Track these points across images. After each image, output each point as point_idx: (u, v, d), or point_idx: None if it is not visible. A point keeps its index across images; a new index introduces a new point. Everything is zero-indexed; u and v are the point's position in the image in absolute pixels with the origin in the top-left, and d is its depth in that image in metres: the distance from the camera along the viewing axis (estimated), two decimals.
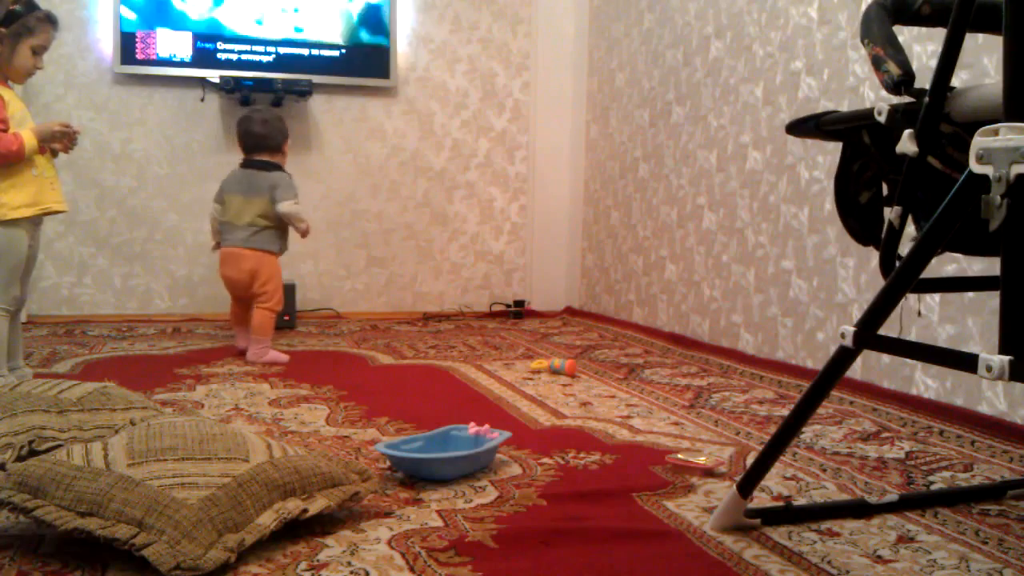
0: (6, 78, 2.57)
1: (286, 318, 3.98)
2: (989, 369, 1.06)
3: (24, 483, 1.39)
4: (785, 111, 3.05)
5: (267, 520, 1.36)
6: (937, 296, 2.38)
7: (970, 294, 2.28)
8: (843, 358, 1.35)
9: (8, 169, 2.48)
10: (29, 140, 2.47)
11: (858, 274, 2.69)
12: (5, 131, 2.46)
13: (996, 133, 1.07)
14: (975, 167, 1.09)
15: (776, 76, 3.10)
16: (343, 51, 4.36)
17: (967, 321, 2.30)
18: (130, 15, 4.06)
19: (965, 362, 1.11)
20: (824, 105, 2.84)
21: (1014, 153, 1.04)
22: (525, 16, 4.70)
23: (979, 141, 1.08)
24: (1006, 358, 1.05)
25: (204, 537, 1.27)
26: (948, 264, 2.34)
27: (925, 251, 1.21)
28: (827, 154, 2.83)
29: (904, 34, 2.47)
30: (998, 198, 1.06)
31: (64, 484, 1.36)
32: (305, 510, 1.41)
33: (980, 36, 2.20)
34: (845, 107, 2.74)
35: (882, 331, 1.31)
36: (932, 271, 2.33)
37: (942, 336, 2.37)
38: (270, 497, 1.40)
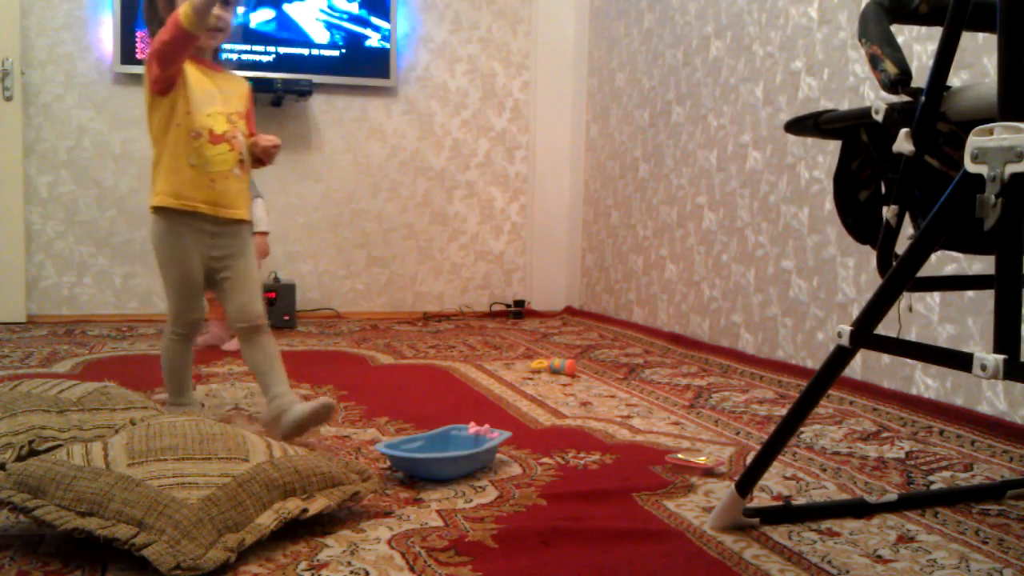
0: (200, 52, 2.10)
1: (285, 318, 3.98)
2: (983, 368, 1.07)
3: (24, 483, 1.39)
4: (785, 111, 3.04)
5: (267, 520, 1.36)
6: (937, 296, 2.38)
7: (970, 294, 2.28)
8: (840, 357, 1.35)
9: (169, 153, 2.04)
10: (184, 10, 1.92)
11: (858, 274, 2.69)
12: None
13: (991, 132, 1.07)
14: (970, 166, 1.09)
15: (776, 76, 3.10)
16: (343, 51, 4.36)
17: (967, 321, 2.30)
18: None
19: (960, 361, 1.11)
20: (824, 105, 2.84)
21: (1008, 152, 1.04)
22: (525, 16, 4.70)
23: (974, 140, 1.08)
24: (1000, 357, 1.06)
25: (204, 537, 1.27)
26: (948, 264, 2.35)
27: (921, 250, 1.21)
28: (827, 154, 2.83)
29: (904, 34, 2.47)
30: (992, 197, 1.06)
31: (64, 484, 1.36)
32: (305, 510, 1.41)
33: (981, 36, 2.20)
34: (845, 107, 2.74)
35: (884, 330, 1.31)
36: (932, 270, 2.33)
37: (942, 336, 2.37)
38: (270, 497, 1.40)
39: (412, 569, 1.31)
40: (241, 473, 1.39)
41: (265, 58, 4.25)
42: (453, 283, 4.71)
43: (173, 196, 2.04)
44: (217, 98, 2.08)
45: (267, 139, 2.17)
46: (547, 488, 1.69)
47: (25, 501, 1.36)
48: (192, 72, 2.06)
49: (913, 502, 1.62)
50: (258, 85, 4.17)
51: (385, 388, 2.70)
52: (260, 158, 2.18)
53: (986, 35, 2.17)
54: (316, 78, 4.30)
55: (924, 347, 1.26)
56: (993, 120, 1.08)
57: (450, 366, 3.10)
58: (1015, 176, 1.04)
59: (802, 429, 2.19)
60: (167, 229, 2.06)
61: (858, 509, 1.58)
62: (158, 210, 2.05)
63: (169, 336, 2.13)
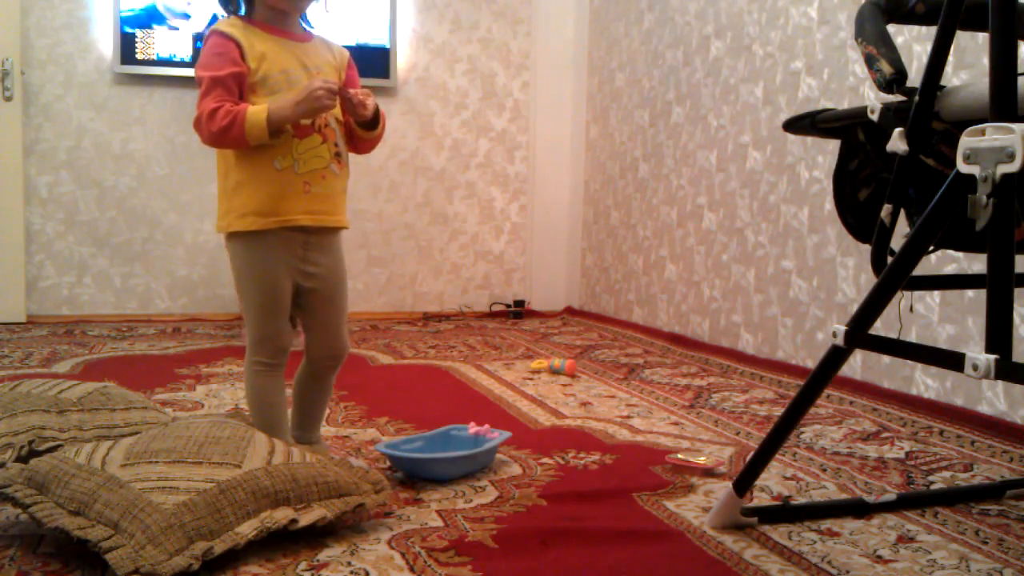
0: (273, 14, 1.69)
1: None
2: (975, 368, 1.07)
3: (32, 478, 1.39)
4: (785, 111, 3.04)
5: (247, 529, 1.32)
6: (937, 296, 2.38)
7: (970, 294, 2.28)
8: (836, 357, 1.35)
9: (246, 160, 1.64)
10: (255, 118, 1.58)
11: (858, 274, 2.69)
12: (234, 102, 1.61)
13: (983, 133, 1.07)
14: (962, 167, 1.09)
15: (776, 76, 3.10)
16: None
17: (967, 321, 2.30)
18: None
19: (953, 361, 1.11)
20: (824, 105, 2.84)
21: (1000, 153, 1.04)
22: (525, 16, 4.70)
23: (966, 141, 1.09)
24: (992, 357, 1.06)
25: (171, 543, 1.24)
26: (948, 264, 2.35)
27: (915, 249, 1.21)
28: (827, 154, 2.83)
29: (904, 34, 2.47)
30: (984, 198, 1.06)
31: (63, 481, 1.36)
32: (294, 520, 1.36)
33: (980, 36, 2.20)
34: (845, 107, 2.74)
35: (885, 331, 1.31)
36: (932, 269, 2.33)
37: (942, 336, 2.37)
38: (257, 505, 1.36)
39: (412, 569, 1.31)
40: (226, 480, 1.35)
41: None
42: (453, 283, 4.71)
43: (262, 214, 1.64)
44: (301, 78, 1.66)
45: (353, 93, 1.68)
46: (547, 488, 1.69)
47: (26, 497, 1.36)
48: (267, 47, 1.65)
49: (913, 502, 1.62)
50: None
51: (385, 388, 2.70)
52: (356, 116, 1.71)
53: (986, 35, 2.17)
54: None
55: (917, 347, 1.27)
56: (987, 120, 1.08)
57: (450, 366, 3.10)
58: (1006, 176, 1.04)
59: (802, 429, 2.19)
60: (254, 251, 1.68)
61: (855, 508, 1.58)
62: (241, 234, 1.67)
63: (252, 367, 1.72)
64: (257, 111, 1.58)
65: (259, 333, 1.71)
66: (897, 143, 1.27)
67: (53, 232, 4.14)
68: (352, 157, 1.80)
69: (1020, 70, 1.09)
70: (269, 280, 1.69)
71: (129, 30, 4.07)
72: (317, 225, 1.70)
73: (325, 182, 1.69)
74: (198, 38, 4.15)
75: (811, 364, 2.88)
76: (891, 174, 1.31)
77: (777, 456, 1.76)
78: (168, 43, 4.13)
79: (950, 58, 1.92)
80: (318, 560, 1.34)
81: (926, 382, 2.42)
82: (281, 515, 1.36)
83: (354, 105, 1.68)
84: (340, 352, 1.82)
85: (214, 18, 4.13)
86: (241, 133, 1.58)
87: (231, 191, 1.67)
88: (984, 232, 1.07)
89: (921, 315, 2.43)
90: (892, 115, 1.28)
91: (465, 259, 4.72)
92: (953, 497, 1.66)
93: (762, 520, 1.51)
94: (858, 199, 1.46)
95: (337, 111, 1.72)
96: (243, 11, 1.72)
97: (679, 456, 1.89)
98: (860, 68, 2.69)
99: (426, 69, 4.59)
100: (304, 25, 1.77)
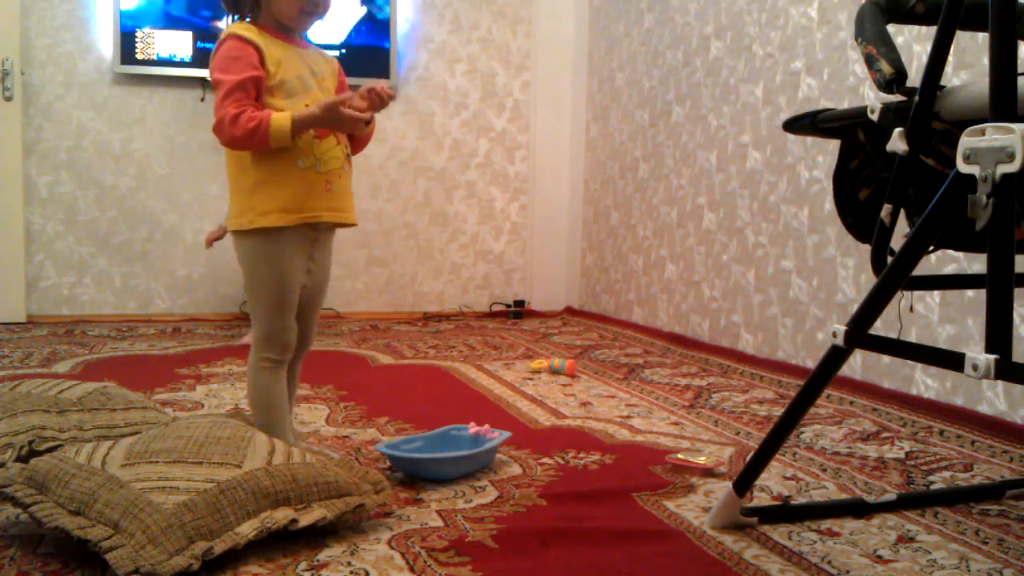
0: (278, 23, 1.75)
1: None
2: (975, 368, 1.07)
3: (32, 478, 1.39)
4: (785, 111, 3.04)
5: (247, 529, 1.32)
6: (937, 296, 2.38)
7: (970, 294, 2.28)
8: (835, 357, 1.35)
9: (266, 160, 1.69)
10: (279, 123, 1.63)
11: (858, 274, 2.69)
12: (255, 106, 1.65)
13: (983, 133, 1.07)
14: (962, 167, 1.09)
15: (776, 76, 3.10)
16: (343, 51, 4.36)
17: (967, 321, 2.30)
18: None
19: (953, 361, 1.11)
20: (824, 105, 2.84)
21: (1000, 153, 1.04)
22: (525, 16, 4.70)
23: (966, 141, 1.09)
24: (992, 357, 1.06)
25: (172, 543, 1.24)
26: (948, 264, 2.35)
27: (915, 249, 1.21)
28: (827, 154, 2.83)
29: (904, 34, 2.47)
30: (984, 198, 1.06)
31: (63, 481, 1.36)
32: (294, 520, 1.36)
33: (980, 36, 2.20)
34: (845, 107, 2.74)
35: (885, 331, 1.31)
36: (932, 269, 2.33)
37: (942, 336, 2.37)
38: (258, 505, 1.36)
39: (412, 569, 1.31)
40: (226, 480, 1.36)
41: None
42: (453, 283, 4.71)
43: (287, 211, 1.69)
44: (312, 83, 1.74)
45: (373, 88, 1.73)
46: (547, 488, 1.69)
47: (26, 496, 1.36)
48: (282, 53, 1.71)
49: (913, 502, 1.62)
50: None
51: (385, 388, 2.70)
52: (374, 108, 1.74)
53: (986, 35, 2.17)
54: None
55: (918, 347, 1.27)
56: (987, 120, 1.08)
57: (450, 366, 3.10)
58: (1006, 176, 1.04)
59: (802, 429, 2.19)
60: (271, 248, 1.71)
61: (857, 509, 1.58)
62: (262, 231, 1.70)
63: (258, 364, 1.75)
64: (281, 118, 1.64)
65: (268, 330, 1.75)
66: (897, 143, 1.27)
67: (53, 232, 4.14)
68: (354, 158, 1.87)
69: (1020, 70, 1.09)
70: (284, 277, 1.74)
71: (129, 30, 4.07)
72: (337, 222, 1.78)
73: (341, 180, 1.77)
74: (198, 38, 4.15)
75: (811, 364, 2.88)
76: (891, 174, 1.31)
77: (777, 456, 1.76)
78: (168, 43, 4.13)
79: (950, 58, 1.92)
80: (318, 560, 1.34)
81: (926, 382, 2.42)
82: (281, 515, 1.36)
83: (380, 97, 1.74)
84: (310, 343, 1.91)
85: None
86: (265, 138, 1.63)
87: (249, 190, 1.70)
88: (984, 232, 1.07)
89: (921, 315, 2.43)
90: (892, 115, 1.28)
91: (465, 259, 4.72)
92: (953, 497, 1.66)
93: (762, 520, 1.51)
94: (858, 199, 1.46)
95: None
96: (249, 16, 1.75)
97: (679, 456, 1.89)
98: (860, 68, 2.69)
99: (426, 69, 4.59)
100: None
